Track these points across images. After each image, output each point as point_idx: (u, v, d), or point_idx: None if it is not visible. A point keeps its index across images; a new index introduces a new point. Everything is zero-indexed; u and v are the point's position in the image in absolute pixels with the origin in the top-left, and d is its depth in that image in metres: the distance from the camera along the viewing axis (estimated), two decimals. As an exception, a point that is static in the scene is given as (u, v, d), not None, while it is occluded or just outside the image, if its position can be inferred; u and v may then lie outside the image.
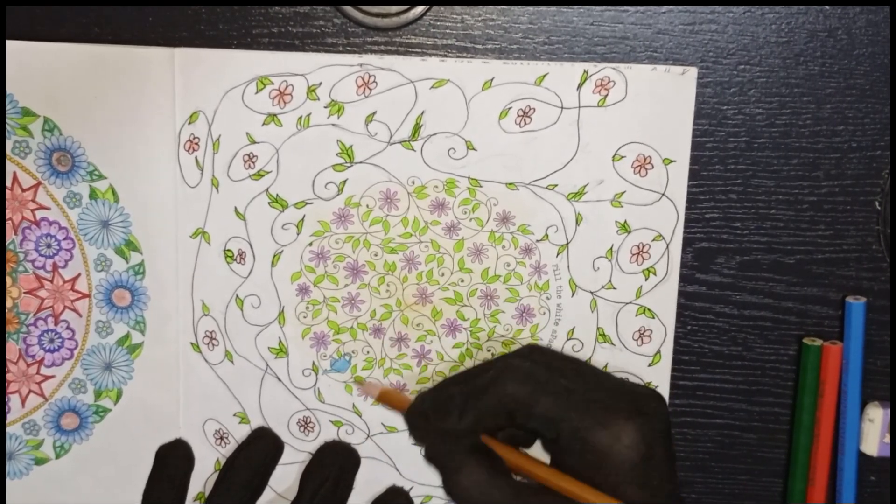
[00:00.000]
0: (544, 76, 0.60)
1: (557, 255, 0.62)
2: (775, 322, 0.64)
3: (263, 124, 0.61)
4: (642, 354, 0.64)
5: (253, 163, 0.62)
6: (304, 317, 0.64)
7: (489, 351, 0.64)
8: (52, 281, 0.64)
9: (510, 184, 0.61)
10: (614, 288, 0.63)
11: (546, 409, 0.49)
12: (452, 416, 0.50)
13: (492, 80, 0.60)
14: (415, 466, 0.66)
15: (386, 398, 0.58)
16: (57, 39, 0.61)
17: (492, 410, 0.50)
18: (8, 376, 0.65)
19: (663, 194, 0.61)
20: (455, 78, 0.60)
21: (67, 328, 0.65)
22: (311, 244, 0.63)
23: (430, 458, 0.52)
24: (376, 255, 0.63)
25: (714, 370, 0.65)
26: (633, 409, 0.48)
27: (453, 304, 0.63)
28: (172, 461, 0.66)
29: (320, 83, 0.61)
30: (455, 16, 0.61)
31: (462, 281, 0.63)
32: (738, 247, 0.63)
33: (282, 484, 0.66)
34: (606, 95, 0.60)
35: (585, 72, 0.60)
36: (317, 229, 0.63)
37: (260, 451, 0.65)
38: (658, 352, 0.64)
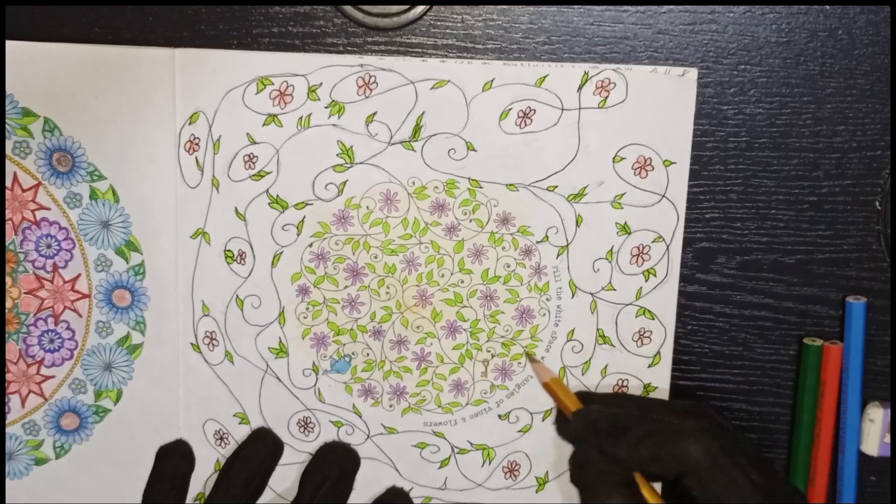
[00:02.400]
0: (545, 77, 0.60)
1: (557, 256, 0.62)
2: (775, 322, 0.64)
3: (264, 125, 0.61)
4: (642, 356, 0.64)
5: (253, 163, 0.62)
6: (305, 317, 0.64)
7: (489, 352, 0.64)
8: (52, 281, 0.64)
9: (510, 185, 0.61)
10: (614, 289, 0.63)
11: (718, 490, 0.49)
12: (623, 445, 0.50)
13: (492, 81, 0.60)
14: (415, 467, 0.66)
15: (554, 388, 0.56)
16: (57, 39, 0.61)
17: (666, 462, 0.50)
18: (8, 376, 0.65)
19: (663, 196, 0.61)
20: (455, 79, 0.60)
21: (67, 328, 0.65)
22: (311, 245, 0.63)
23: (579, 470, 0.51)
24: (376, 257, 0.63)
25: (714, 370, 0.65)
26: None
27: (453, 305, 0.63)
28: (173, 461, 0.66)
29: (321, 83, 0.60)
30: (455, 16, 0.61)
31: (462, 282, 0.63)
32: (738, 247, 0.63)
33: (282, 484, 0.67)
34: (607, 97, 0.60)
35: (586, 73, 0.60)
36: (317, 230, 0.63)
37: (259, 451, 0.65)
38: (658, 353, 0.64)
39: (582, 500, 0.51)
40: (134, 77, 0.61)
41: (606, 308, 0.63)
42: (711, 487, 0.48)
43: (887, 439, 0.63)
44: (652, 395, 0.65)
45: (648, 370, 0.64)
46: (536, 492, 0.66)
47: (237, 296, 0.64)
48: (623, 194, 0.61)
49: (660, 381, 0.64)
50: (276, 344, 0.65)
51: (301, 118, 0.61)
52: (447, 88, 0.60)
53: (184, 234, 0.63)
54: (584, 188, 0.61)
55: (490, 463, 0.66)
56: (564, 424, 0.54)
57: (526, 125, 0.60)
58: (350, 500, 0.66)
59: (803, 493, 0.50)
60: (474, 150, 0.61)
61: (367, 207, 0.62)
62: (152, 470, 0.65)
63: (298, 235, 0.63)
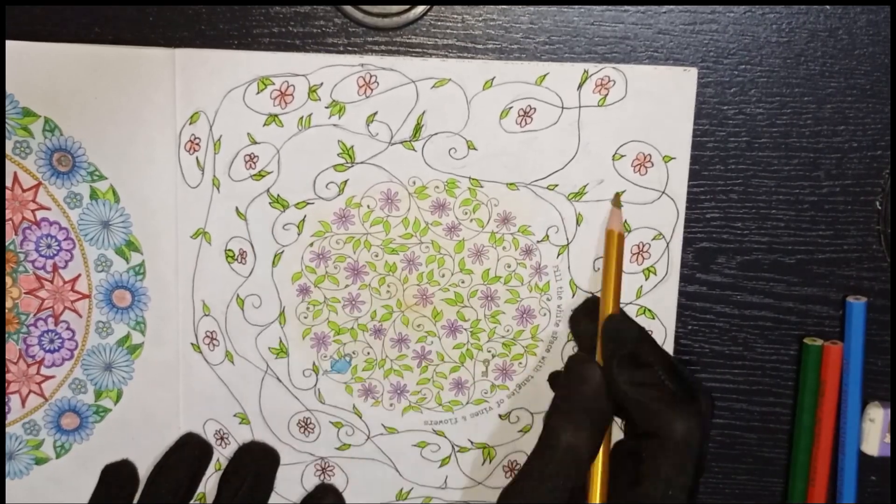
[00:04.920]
0: (545, 76, 0.60)
1: (558, 255, 0.62)
2: (776, 322, 0.64)
3: (264, 125, 0.61)
4: (643, 355, 0.64)
5: (254, 163, 0.62)
6: (305, 317, 0.64)
7: (490, 352, 0.64)
8: (52, 281, 0.64)
9: (511, 184, 0.61)
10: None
11: (668, 468, 0.49)
12: (629, 375, 0.50)
13: (493, 79, 0.60)
14: (415, 467, 0.66)
15: (614, 254, 0.54)
16: (57, 39, 0.61)
17: (647, 417, 0.49)
18: (8, 376, 0.65)
19: (663, 192, 0.61)
20: (456, 77, 0.60)
21: (67, 328, 0.65)
22: (311, 244, 0.63)
23: (571, 376, 0.50)
24: (377, 255, 0.63)
25: (714, 370, 0.65)
26: None
27: (454, 305, 0.63)
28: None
29: (321, 83, 0.61)
30: (456, 16, 0.61)
31: (462, 282, 0.63)
32: (738, 247, 0.63)
33: (282, 484, 0.66)
34: (606, 95, 0.60)
35: (586, 71, 0.60)
36: (318, 230, 0.63)
37: (186, 457, 0.64)
38: (658, 352, 0.64)
39: (552, 407, 0.49)
40: (134, 77, 0.61)
41: (607, 307, 0.63)
42: (663, 462, 0.48)
43: (887, 439, 0.63)
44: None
45: (649, 370, 0.64)
46: (537, 491, 0.66)
47: (238, 295, 0.64)
48: (623, 192, 0.61)
49: (660, 381, 0.64)
50: (277, 344, 0.65)
51: (302, 118, 0.61)
52: (448, 87, 0.60)
53: (184, 233, 0.63)
54: (585, 187, 0.61)
55: (490, 462, 0.66)
56: (584, 314, 0.53)
57: (526, 124, 0.61)
58: (351, 501, 0.66)
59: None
60: (475, 148, 0.61)
61: (368, 207, 0.62)
62: (94, 491, 0.64)
63: (299, 235, 0.63)
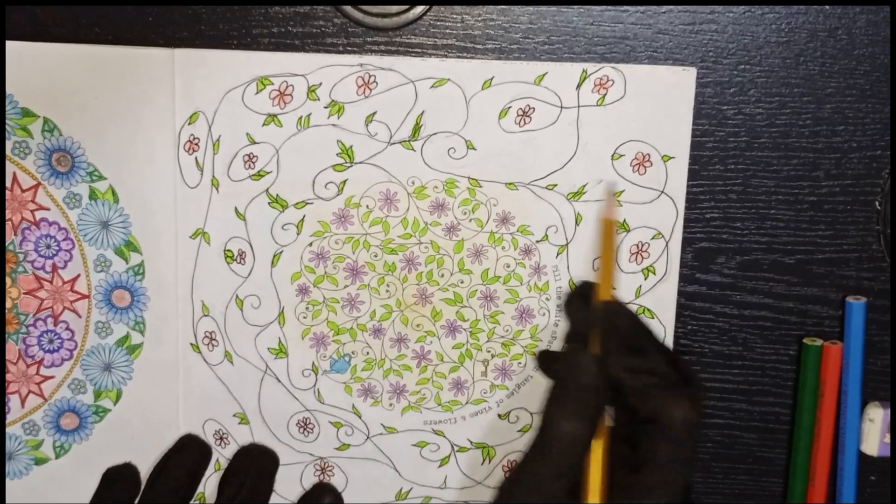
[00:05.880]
0: (543, 75, 0.60)
1: (557, 255, 0.62)
2: (775, 322, 0.64)
3: (263, 125, 0.61)
4: (642, 355, 0.64)
5: (253, 163, 0.62)
6: (304, 317, 0.64)
7: (489, 352, 0.64)
8: (51, 282, 0.64)
9: (510, 184, 0.61)
10: (614, 288, 0.63)
11: (664, 454, 0.49)
12: (625, 363, 0.49)
13: (491, 79, 0.60)
14: (414, 467, 0.66)
15: (608, 242, 0.52)
16: (57, 39, 0.61)
17: (645, 403, 0.49)
18: (7, 377, 0.65)
19: (662, 191, 0.61)
20: (455, 77, 0.60)
21: (67, 329, 0.65)
22: (311, 244, 0.63)
23: (564, 365, 0.50)
24: (376, 255, 0.63)
25: (714, 370, 0.65)
26: None
27: (453, 305, 0.63)
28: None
29: (320, 83, 0.61)
30: (455, 16, 0.61)
31: (462, 282, 0.63)
32: (738, 247, 0.63)
33: (283, 485, 0.66)
34: (605, 94, 0.60)
35: (584, 71, 0.60)
36: (317, 230, 0.63)
37: (185, 460, 0.64)
38: (658, 353, 0.64)
39: (548, 396, 0.49)
40: (133, 77, 0.61)
41: (606, 307, 0.63)
42: (662, 448, 0.48)
43: (887, 439, 0.63)
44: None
45: (648, 371, 0.64)
46: (536, 491, 0.66)
47: (237, 296, 0.64)
48: (622, 192, 0.61)
49: (660, 382, 0.64)
50: (276, 344, 0.65)
51: (301, 118, 0.61)
52: (447, 87, 0.60)
53: (183, 234, 0.63)
54: (584, 186, 0.61)
55: (490, 461, 0.66)
56: (578, 301, 0.52)
57: (525, 123, 0.60)
58: (353, 501, 0.66)
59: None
60: (474, 148, 0.61)
61: (367, 207, 0.62)
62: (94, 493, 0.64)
63: (298, 235, 0.63)
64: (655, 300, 0.63)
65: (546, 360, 0.52)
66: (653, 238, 0.62)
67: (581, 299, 0.52)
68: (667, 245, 0.62)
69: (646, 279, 0.62)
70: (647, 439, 0.48)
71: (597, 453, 0.49)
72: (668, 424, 0.48)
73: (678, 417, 0.48)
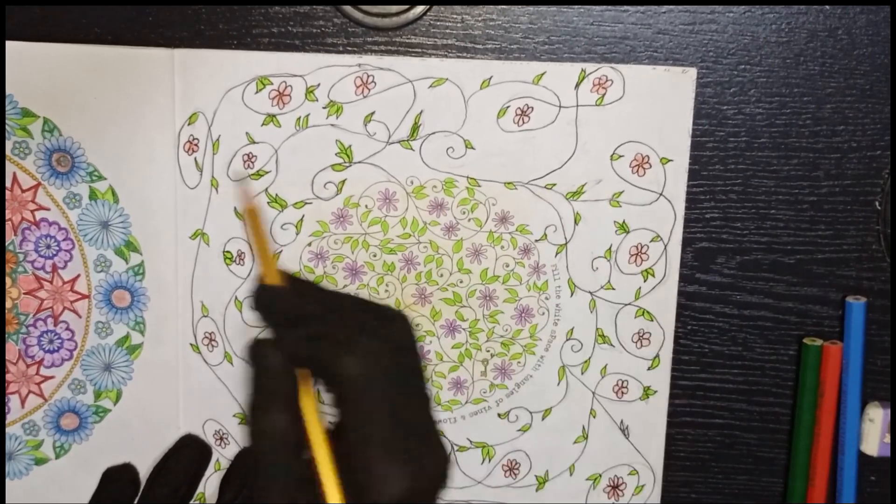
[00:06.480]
0: (542, 75, 0.60)
1: (556, 254, 0.62)
2: (775, 322, 0.64)
3: (263, 125, 0.61)
4: (641, 357, 0.64)
5: (252, 163, 0.62)
6: (304, 317, 0.64)
7: (488, 351, 0.64)
8: (51, 282, 0.64)
9: (509, 183, 0.61)
10: (613, 289, 0.63)
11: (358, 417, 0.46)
12: (293, 337, 0.47)
13: (490, 78, 0.60)
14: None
15: (253, 226, 0.51)
16: (57, 39, 0.61)
17: (324, 369, 0.47)
18: (8, 377, 0.65)
19: (661, 194, 0.61)
20: (453, 76, 0.60)
21: (67, 329, 0.65)
22: (310, 244, 0.63)
23: (252, 360, 0.48)
24: (375, 255, 0.63)
25: (714, 370, 0.65)
26: None
27: (452, 305, 0.63)
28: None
29: (318, 84, 0.61)
30: (455, 16, 0.61)
31: (461, 281, 0.63)
32: (738, 247, 0.63)
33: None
34: (604, 94, 0.60)
35: (583, 71, 0.60)
36: (316, 229, 0.63)
37: (185, 459, 0.64)
38: (657, 356, 0.64)
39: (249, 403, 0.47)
40: (133, 77, 0.61)
41: (606, 307, 0.63)
42: (347, 408, 0.45)
43: (887, 439, 0.63)
44: (651, 398, 0.64)
45: (648, 372, 0.64)
46: (536, 490, 0.66)
47: (236, 297, 0.64)
48: (621, 192, 0.61)
49: (659, 385, 0.64)
50: (276, 344, 0.65)
51: (299, 118, 0.61)
52: (445, 86, 0.60)
53: (183, 234, 0.63)
54: (583, 186, 0.61)
55: (490, 461, 0.66)
56: (256, 293, 0.50)
57: (524, 123, 0.60)
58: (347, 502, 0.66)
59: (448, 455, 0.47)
60: (472, 148, 0.61)
61: (366, 206, 0.62)
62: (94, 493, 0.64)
63: (297, 234, 0.63)
64: (655, 302, 0.63)
65: (246, 360, 0.50)
66: (652, 240, 0.62)
67: (254, 292, 0.50)
68: (665, 248, 0.62)
69: (645, 281, 0.62)
70: (338, 403, 0.46)
71: (316, 431, 0.47)
72: (335, 383, 0.46)
73: (340, 373, 0.45)
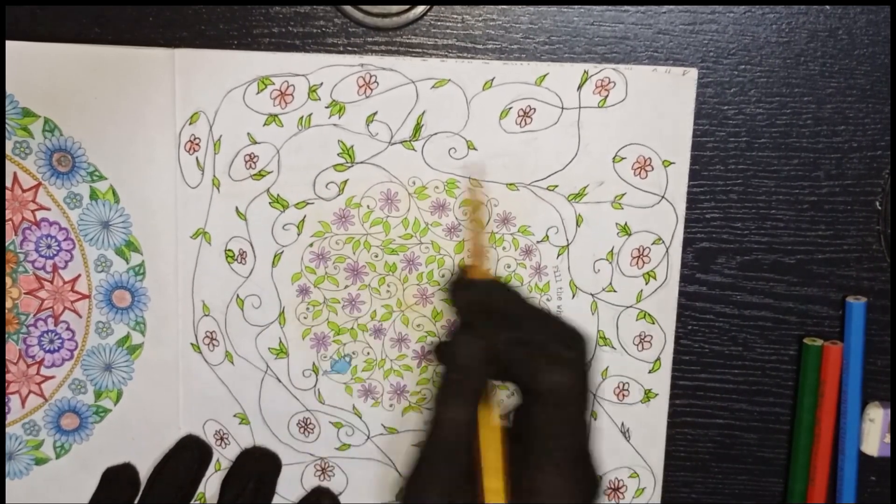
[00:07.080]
0: (545, 76, 0.60)
1: (558, 256, 0.62)
2: (776, 322, 0.64)
3: (264, 124, 0.61)
4: (643, 360, 0.64)
5: (254, 163, 0.62)
6: (305, 317, 0.64)
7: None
8: (52, 282, 0.64)
9: (511, 184, 0.61)
10: (615, 291, 0.63)
11: (560, 421, 0.47)
12: (506, 335, 0.48)
13: (492, 79, 0.60)
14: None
15: (476, 223, 0.51)
16: (57, 39, 0.61)
17: (531, 374, 0.48)
18: (8, 377, 0.65)
19: (663, 197, 0.61)
20: (456, 77, 0.60)
21: (67, 329, 0.65)
22: (311, 245, 0.63)
23: (453, 349, 0.48)
24: (377, 256, 0.63)
25: (714, 370, 0.65)
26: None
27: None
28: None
29: (321, 83, 0.60)
30: (455, 16, 0.61)
31: (462, 282, 0.63)
32: (738, 247, 0.63)
33: (282, 485, 0.66)
34: (607, 96, 0.60)
35: (586, 72, 0.60)
36: (317, 230, 0.63)
37: (185, 460, 0.64)
38: (658, 359, 0.64)
39: (435, 393, 0.48)
40: (134, 77, 0.61)
41: (607, 309, 0.63)
42: (543, 416, 0.46)
43: (887, 439, 0.63)
44: (652, 401, 0.65)
45: (649, 375, 0.64)
46: (537, 492, 0.66)
47: (237, 296, 0.64)
48: (623, 194, 0.61)
49: (661, 388, 0.64)
50: (276, 344, 0.65)
51: (302, 118, 0.61)
52: (447, 87, 0.60)
53: (184, 234, 0.63)
54: (585, 188, 0.61)
55: (490, 462, 0.66)
56: (457, 287, 0.51)
57: (526, 124, 0.61)
58: (354, 500, 0.66)
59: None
60: (475, 148, 0.61)
61: (368, 207, 0.62)
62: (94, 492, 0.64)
63: (299, 235, 0.63)
64: (656, 305, 0.63)
65: (437, 351, 0.51)
66: (653, 243, 0.62)
67: (461, 286, 0.50)
68: (667, 251, 0.62)
69: (647, 284, 0.63)
70: (531, 409, 0.47)
71: (492, 432, 0.48)
72: (540, 390, 0.47)
73: (548, 383, 0.46)
